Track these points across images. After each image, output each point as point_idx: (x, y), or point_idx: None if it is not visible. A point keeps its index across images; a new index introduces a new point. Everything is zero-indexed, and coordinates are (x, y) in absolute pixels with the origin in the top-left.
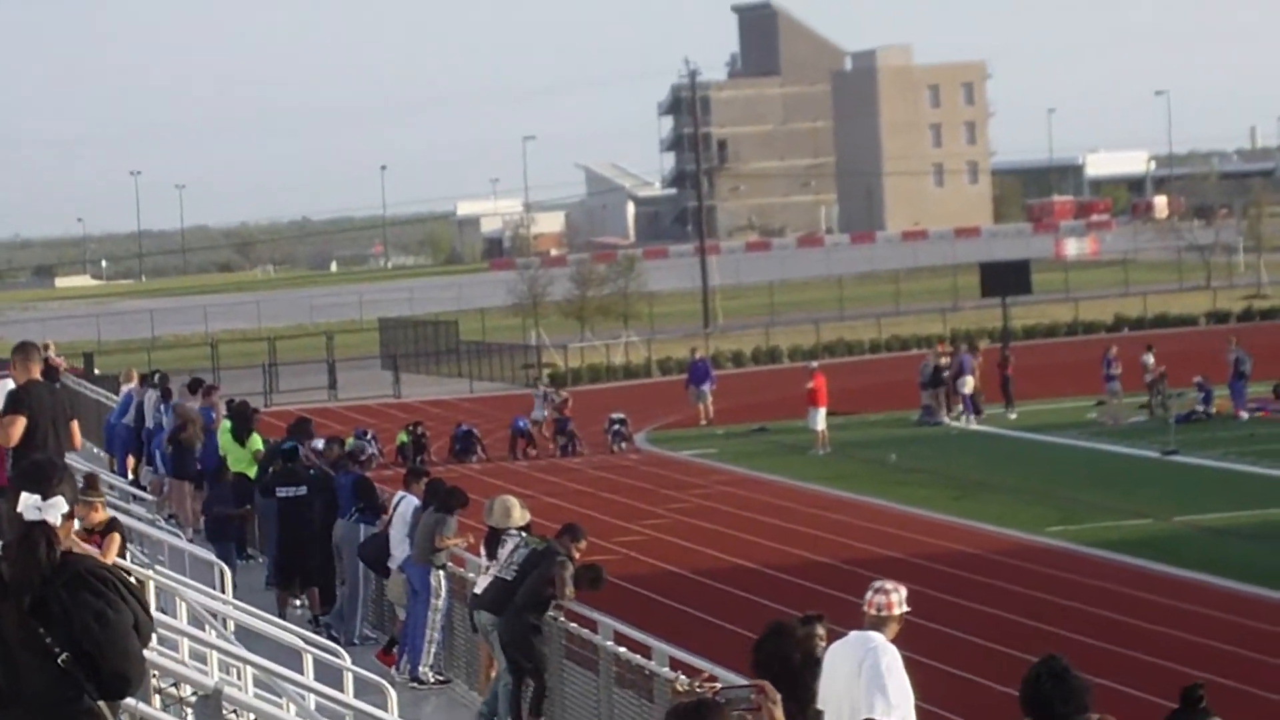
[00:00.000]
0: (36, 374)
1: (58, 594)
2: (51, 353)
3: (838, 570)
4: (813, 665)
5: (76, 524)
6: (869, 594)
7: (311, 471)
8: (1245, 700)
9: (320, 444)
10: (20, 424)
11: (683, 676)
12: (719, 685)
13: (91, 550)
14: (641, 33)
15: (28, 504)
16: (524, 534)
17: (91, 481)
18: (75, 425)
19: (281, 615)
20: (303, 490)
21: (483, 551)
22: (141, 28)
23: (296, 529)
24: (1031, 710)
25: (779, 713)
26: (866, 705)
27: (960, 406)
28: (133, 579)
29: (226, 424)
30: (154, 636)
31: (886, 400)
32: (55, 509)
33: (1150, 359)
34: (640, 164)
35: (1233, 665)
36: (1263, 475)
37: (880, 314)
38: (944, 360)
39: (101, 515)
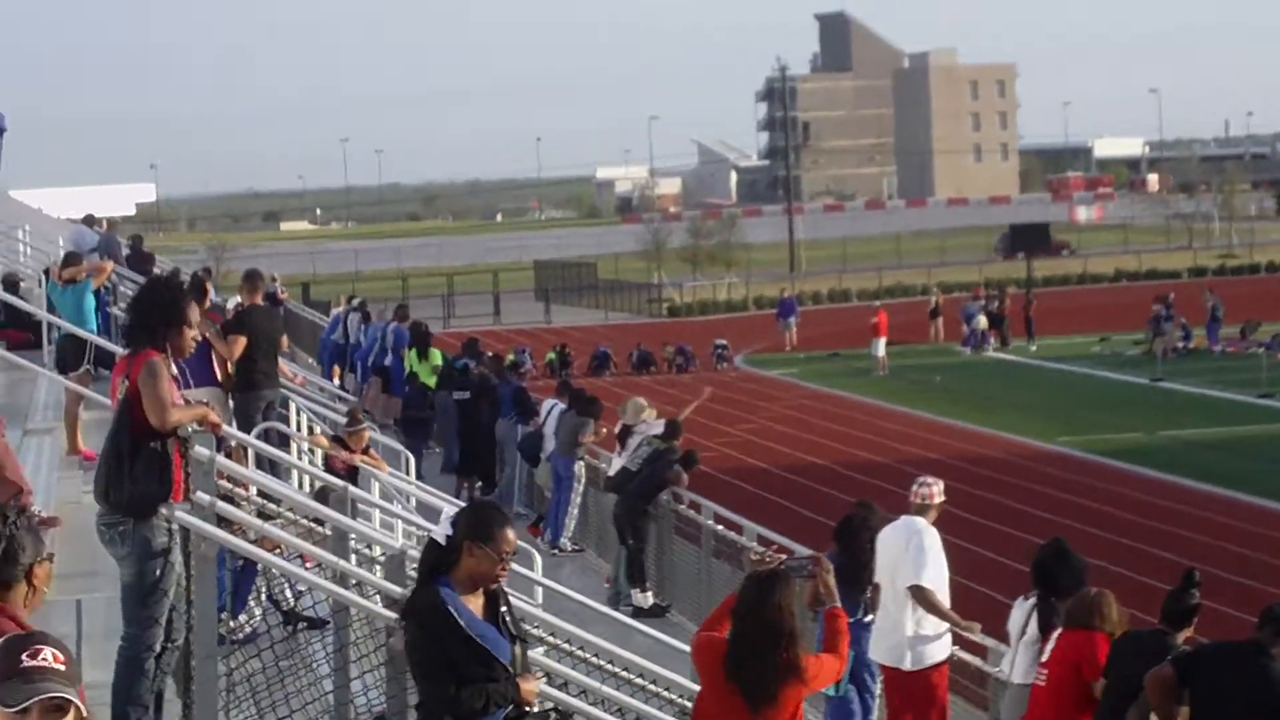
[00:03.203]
0: (259, 299)
1: None
2: (278, 284)
3: (890, 468)
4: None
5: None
6: (914, 486)
7: (476, 379)
8: (1217, 581)
9: (483, 358)
10: (241, 342)
11: (757, 546)
12: (785, 557)
13: (374, 463)
14: (743, 35)
15: None
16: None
17: (354, 415)
18: (285, 340)
19: (457, 495)
20: (467, 395)
21: (617, 445)
22: (348, 17)
23: (467, 426)
24: (1038, 582)
25: (831, 580)
26: (911, 575)
27: (977, 339)
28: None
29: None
30: (354, 506)
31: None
32: None
33: (1160, 307)
34: (741, 140)
35: (1207, 552)
36: (1232, 400)
37: (930, 264)
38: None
39: (365, 438)
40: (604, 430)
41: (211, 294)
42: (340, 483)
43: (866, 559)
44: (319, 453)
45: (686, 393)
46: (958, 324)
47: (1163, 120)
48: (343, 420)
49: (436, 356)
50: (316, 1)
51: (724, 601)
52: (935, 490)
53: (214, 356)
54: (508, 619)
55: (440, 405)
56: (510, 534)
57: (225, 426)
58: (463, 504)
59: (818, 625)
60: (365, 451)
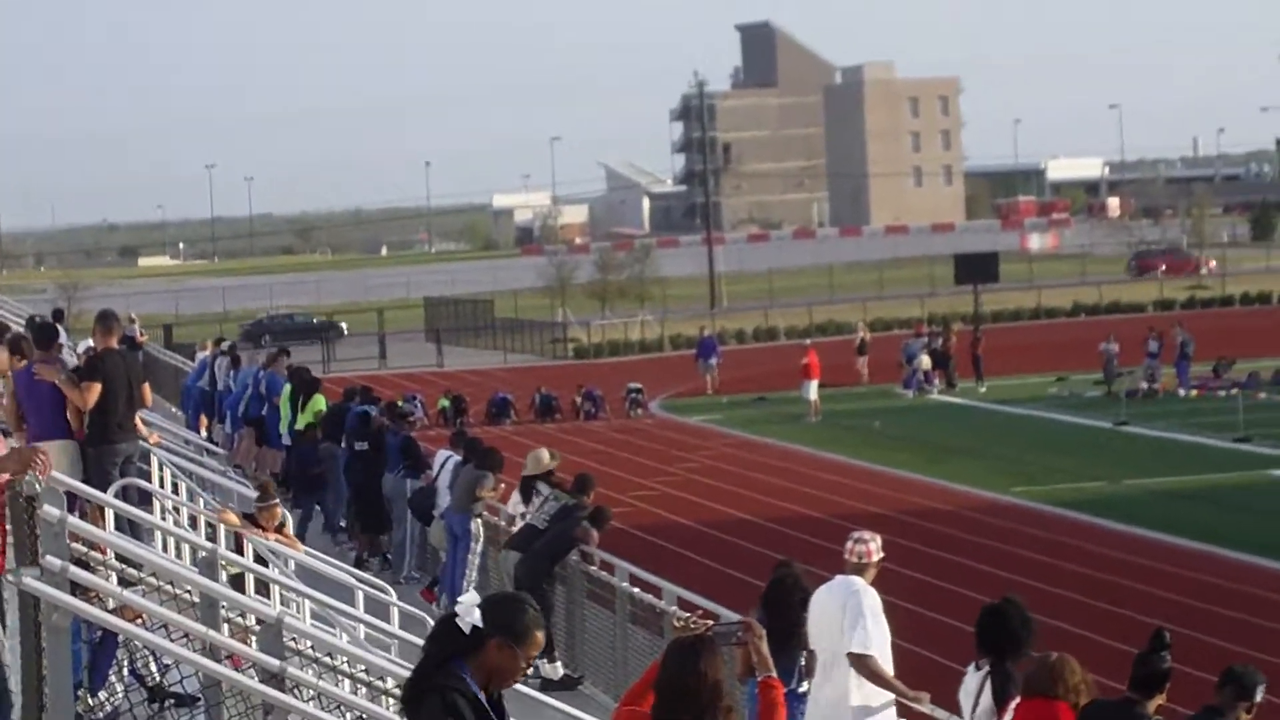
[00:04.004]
0: (114, 342)
1: None
2: (137, 326)
3: (828, 523)
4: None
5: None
6: (849, 543)
7: (376, 429)
8: (1189, 643)
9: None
10: (96, 390)
11: (680, 612)
12: (711, 622)
13: (289, 543)
14: (656, 47)
15: None
16: (552, 488)
17: (265, 488)
18: (146, 387)
19: (360, 557)
20: (367, 446)
21: (516, 497)
22: (209, 35)
23: (370, 479)
24: (982, 646)
25: (764, 646)
26: (849, 641)
27: (920, 380)
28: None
29: (288, 387)
30: (224, 573)
31: (872, 374)
32: None
33: (1114, 346)
34: (654, 163)
35: (1178, 611)
36: (1203, 444)
37: (866, 298)
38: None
39: (278, 514)
40: (503, 485)
41: (63, 338)
42: (209, 545)
43: (798, 622)
44: (221, 528)
45: (596, 442)
46: (894, 364)
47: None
48: (211, 474)
49: (320, 403)
50: (175, 11)
51: (646, 672)
52: (873, 547)
53: (67, 406)
54: None
55: (325, 457)
56: (541, 637)
57: (76, 483)
58: (341, 564)
59: (749, 697)
60: (279, 530)
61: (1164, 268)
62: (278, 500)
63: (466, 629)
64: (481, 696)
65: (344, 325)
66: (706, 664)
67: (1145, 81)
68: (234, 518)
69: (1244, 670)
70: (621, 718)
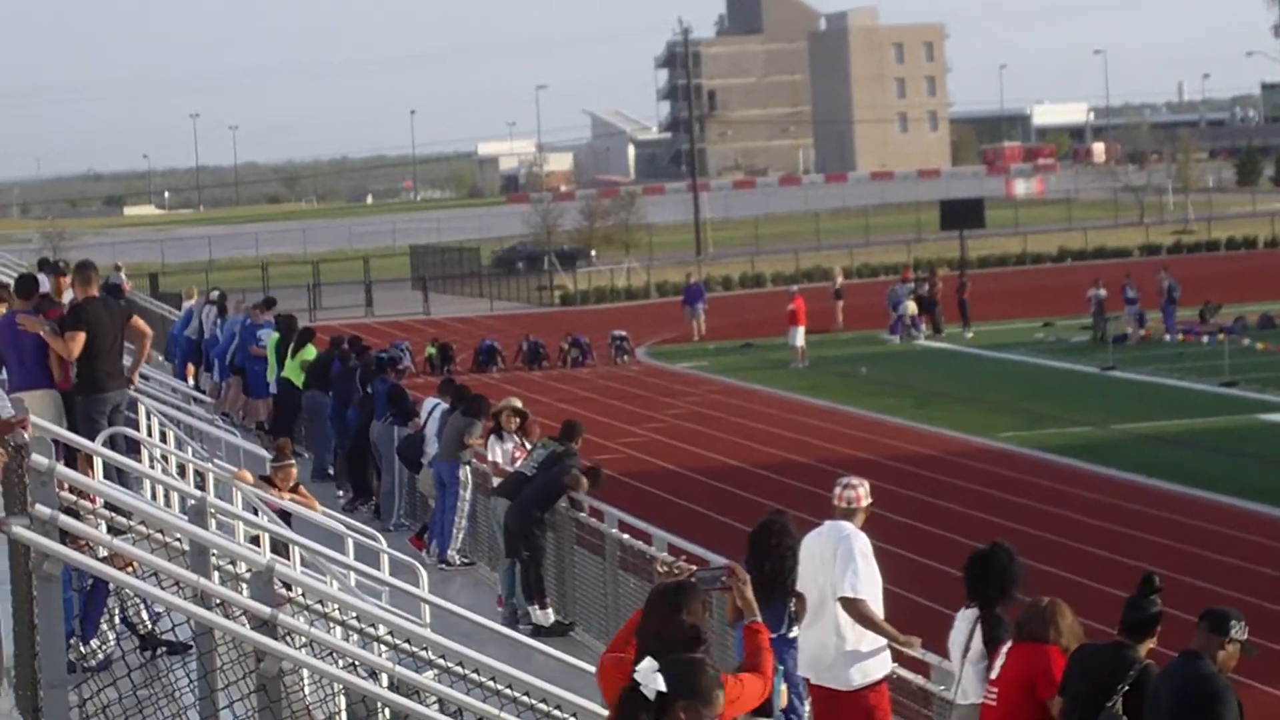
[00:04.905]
0: (94, 291)
1: None
2: (123, 273)
3: (814, 468)
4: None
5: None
6: (837, 489)
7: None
8: (1177, 587)
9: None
10: (80, 339)
11: (666, 556)
12: (695, 568)
13: (306, 502)
14: None
15: None
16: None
17: (282, 449)
18: (137, 320)
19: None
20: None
21: (495, 443)
22: None
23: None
24: (970, 591)
25: (748, 591)
26: (842, 585)
27: (905, 326)
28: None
29: (274, 336)
30: (214, 520)
31: (858, 321)
32: None
33: (1101, 291)
34: (639, 111)
35: (1166, 555)
36: (1191, 389)
37: (852, 245)
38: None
39: (293, 475)
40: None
41: (44, 286)
42: (198, 493)
43: (785, 568)
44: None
45: (583, 389)
46: (878, 309)
47: (1109, 84)
48: (199, 422)
49: (310, 352)
50: None
51: (630, 619)
52: (861, 492)
53: (51, 356)
54: None
55: (310, 405)
56: (722, 696)
57: (65, 432)
58: (332, 511)
59: (737, 642)
60: (295, 490)
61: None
62: (293, 461)
63: (651, 695)
64: None
65: (593, 252)
66: (688, 610)
67: (1130, 26)
68: (249, 477)
69: (1217, 609)
70: (606, 665)
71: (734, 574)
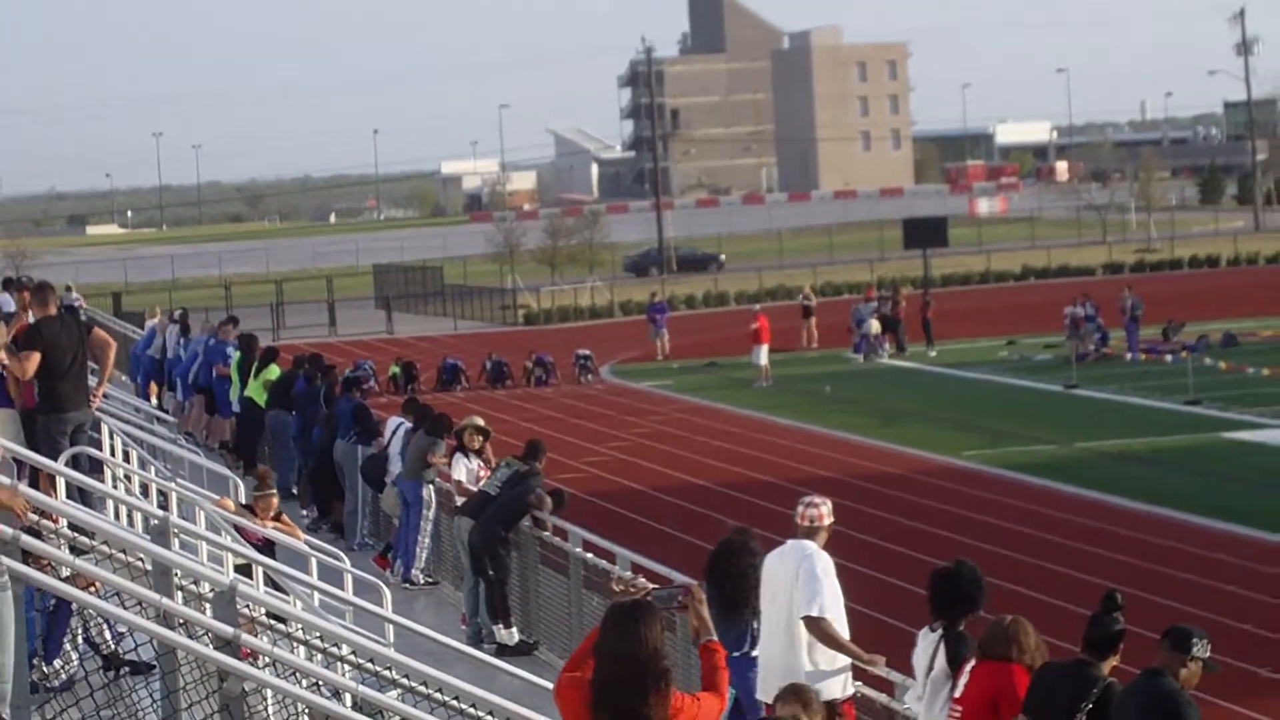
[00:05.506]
0: (51, 311)
1: None
2: (74, 294)
3: (779, 488)
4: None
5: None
6: (800, 508)
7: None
8: (1140, 604)
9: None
10: (35, 359)
11: (623, 574)
12: (652, 586)
13: (288, 531)
14: (604, 14)
15: None
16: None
17: (263, 477)
18: (98, 331)
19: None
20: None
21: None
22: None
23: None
24: (934, 609)
25: (704, 611)
26: (805, 605)
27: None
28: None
29: (237, 355)
30: (177, 540)
31: (822, 339)
32: None
33: (1079, 309)
34: (603, 129)
35: (1129, 573)
36: (1154, 407)
37: (815, 263)
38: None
39: (274, 504)
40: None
41: (10, 305)
42: (160, 513)
43: (745, 587)
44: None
45: (547, 408)
46: (843, 328)
47: (1072, 103)
48: (162, 442)
49: (273, 372)
50: None
51: (587, 638)
52: (824, 510)
53: (8, 376)
54: None
55: (273, 425)
56: None
57: (26, 451)
58: (317, 541)
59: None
60: (277, 518)
61: None
62: (275, 491)
63: None
64: None
65: (722, 256)
66: (645, 628)
67: (1093, 45)
68: (231, 505)
69: (1180, 627)
70: (563, 685)
71: (689, 593)
